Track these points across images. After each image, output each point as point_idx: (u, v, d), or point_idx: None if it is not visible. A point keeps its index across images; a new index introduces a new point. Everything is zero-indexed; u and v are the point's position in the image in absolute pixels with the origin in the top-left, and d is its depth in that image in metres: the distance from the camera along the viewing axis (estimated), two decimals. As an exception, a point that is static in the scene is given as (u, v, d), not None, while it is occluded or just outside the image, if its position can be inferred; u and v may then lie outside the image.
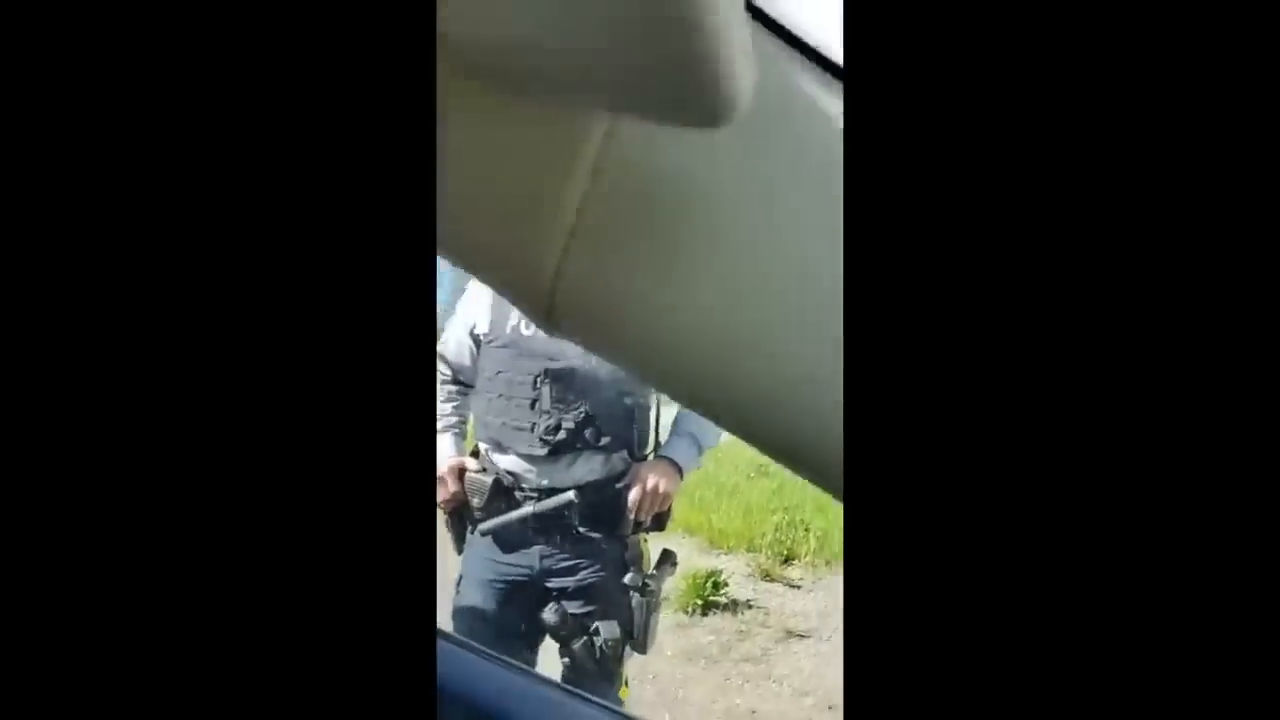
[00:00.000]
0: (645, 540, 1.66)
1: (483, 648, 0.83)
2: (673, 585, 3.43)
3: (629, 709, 2.41)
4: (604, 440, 1.56)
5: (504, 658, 0.79)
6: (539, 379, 1.55)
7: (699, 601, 3.46)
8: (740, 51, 0.26)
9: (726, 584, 3.61)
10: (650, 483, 1.57)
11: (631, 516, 1.58)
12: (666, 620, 3.31)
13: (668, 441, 1.66)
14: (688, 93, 0.26)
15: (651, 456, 1.64)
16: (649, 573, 1.63)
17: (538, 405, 1.55)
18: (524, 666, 0.86)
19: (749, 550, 4.18)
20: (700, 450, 1.66)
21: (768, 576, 3.93)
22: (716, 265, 0.33)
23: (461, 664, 0.74)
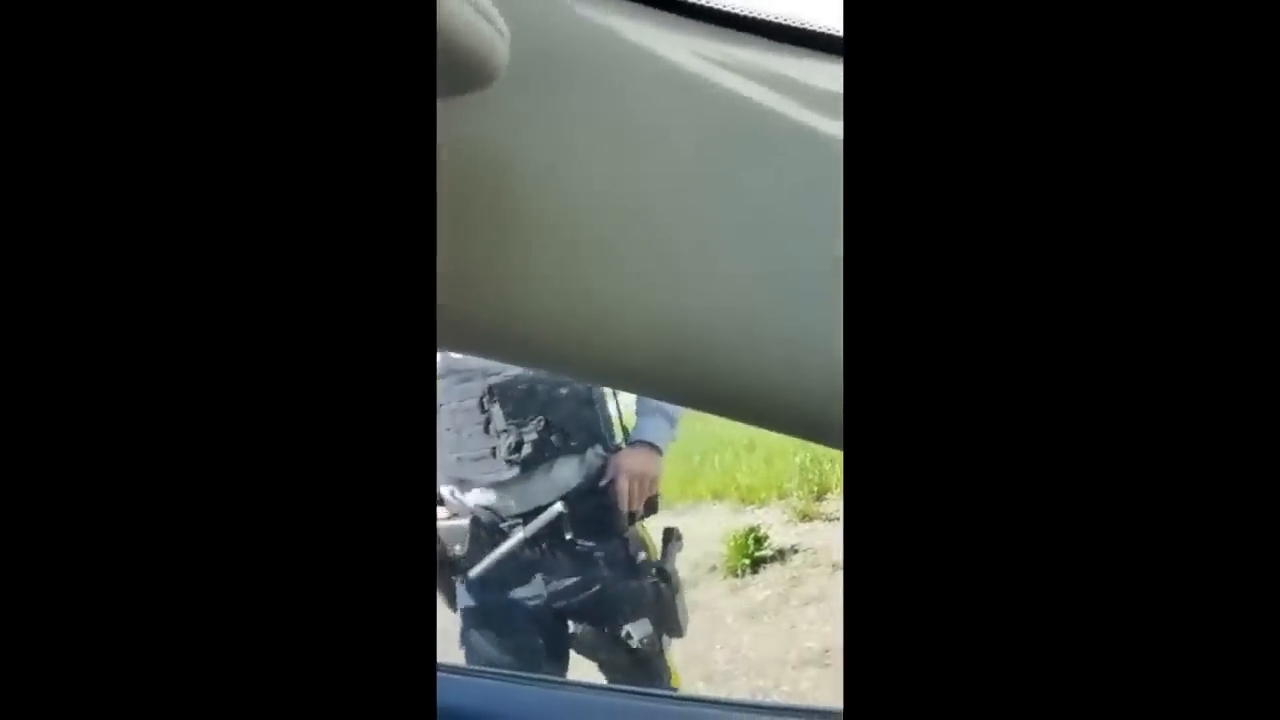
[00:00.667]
0: (644, 528, 1.58)
1: (497, 671, 0.82)
2: (720, 553, 3.45)
3: (702, 689, 2.43)
4: (573, 442, 1.47)
5: (524, 674, 0.77)
6: (485, 399, 1.44)
7: (746, 561, 3.47)
8: (477, 16, 0.26)
9: (767, 536, 3.61)
10: (635, 471, 1.48)
11: (625, 510, 1.49)
12: (721, 586, 3.34)
13: (637, 423, 1.56)
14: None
15: (623, 444, 1.55)
16: (657, 559, 1.55)
17: (491, 427, 1.44)
18: (546, 678, 0.84)
19: (781, 498, 4.18)
20: (672, 422, 1.58)
21: (805, 517, 3.93)
22: (544, 227, 0.31)
23: (478, 691, 0.73)
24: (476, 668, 1.41)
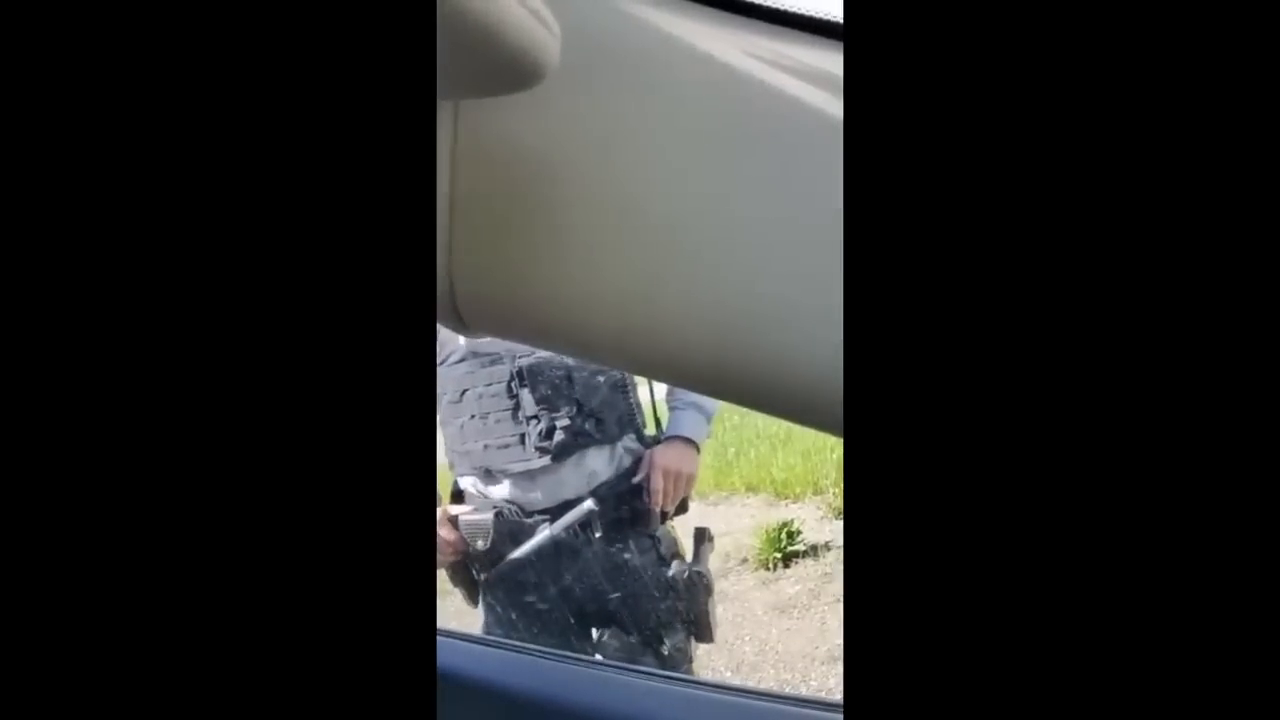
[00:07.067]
0: (673, 527, 1.44)
1: (515, 643, 0.83)
2: (752, 546, 3.44)
3: (729, 679, 2.44)
4: (606, 431, 1.33)
5: (541, 649, 0.78)
6: (513, 383, 1.31)
7: (778, 555, 3.44)
8: (528, 16, 0.26)
9: (800, 531, 3.58)
10: (672, 468, 1.35)
11: (657, 509, 1.36)
12: (752, 578, 3.33)
13: (671, 417, 1.42)
14: (481, 64, 0.25)
15: (658, 437, 1.42)
16: (691, 562, 1.41)
17: (520, 412, 1.31)
18: (562, 654, 0.84)
19: (816, 494, 4.14)
20: (708, 417, 1.43)
21: (841, 514, 3.89)
22: (595, 222, 0.31)
23: (490, 660, 0.74)
24: (489, 637, 1.33)
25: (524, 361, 1.31)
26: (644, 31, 0.32)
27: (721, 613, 1.61)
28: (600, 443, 1.36)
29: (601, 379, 1.35)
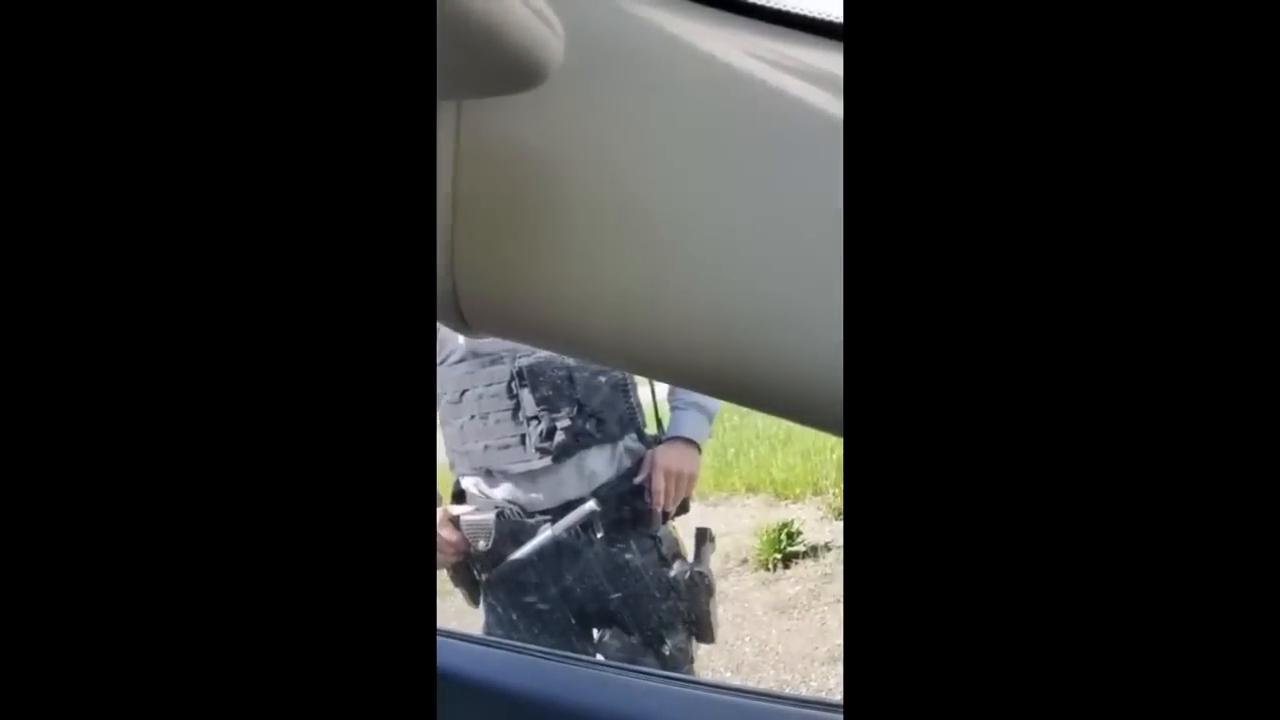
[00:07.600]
0: (674, 527, 1.44)
1: (515, 644, 0.83)
2: (752, 546, 3.44)
3: (729, 679, 2.44)
4: (607, 430, 1.34)
5: (541, 650, 0.78)
6: (513, 383, 1.30)
7: (778, 555, 3.44)
8: (531, 15, 0.26)
9: (800, 532, 3.58)
10: (673, 468, 1.35)
11: (658, 510, 1.36)
12: (752, 579, 3.32)
13: (673, 417, 1.42)
14: (484, 64, 0.25)
15: (659, 434, 1.42)
16: (692, 562, 1.41)
17: (521, 413, 1.31)
18: (563, 654, 0.85)
19: (816, 494, 4.13)
20: (710, 417, 1.43)
21: (841, 515, 3.89)
22: (597, 222, 0.31)
23: (492, 660, 0.74)
24: (490, 637, 1.34)
25: (524, 361, 1.31)
26: (646, 31, 0.32)
27: (722, 613, 1.60)
28: (601, 443, 1.36)
29: (602, 379, 1.35)
